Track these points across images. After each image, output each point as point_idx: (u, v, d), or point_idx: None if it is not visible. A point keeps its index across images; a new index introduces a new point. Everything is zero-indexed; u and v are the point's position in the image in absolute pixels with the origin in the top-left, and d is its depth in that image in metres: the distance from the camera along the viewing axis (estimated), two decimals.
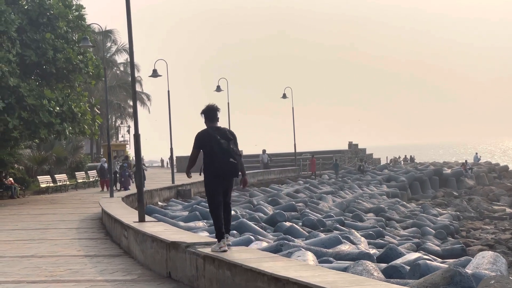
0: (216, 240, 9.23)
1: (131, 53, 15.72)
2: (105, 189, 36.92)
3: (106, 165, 36.07)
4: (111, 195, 26.13)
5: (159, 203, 29.95)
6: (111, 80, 65.51)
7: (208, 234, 19.06)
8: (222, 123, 9.67)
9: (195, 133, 9.34)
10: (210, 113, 9.43)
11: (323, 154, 62.72)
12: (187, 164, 9.54)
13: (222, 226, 9.18)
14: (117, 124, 78.26)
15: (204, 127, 9.48)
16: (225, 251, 8.82)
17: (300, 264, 7.80)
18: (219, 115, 9.52)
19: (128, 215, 15.65)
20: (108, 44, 68.08)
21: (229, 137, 9.26)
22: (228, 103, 48.99)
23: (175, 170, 40.73)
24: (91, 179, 44.45)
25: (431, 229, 29.20)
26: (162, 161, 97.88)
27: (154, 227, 12.49)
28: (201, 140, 9.30)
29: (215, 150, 9.14)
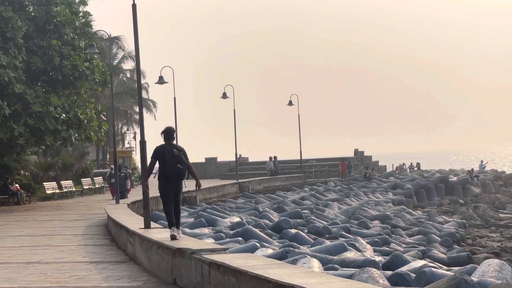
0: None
1: (137, 60, 15.78)
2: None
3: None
4: (117, 202, 26.16)
5: None
6: (117, 86, 65.61)
7: (213, 240, 19.07)
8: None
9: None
10: (167, 134, 12.13)
11: (329, 161, 62.69)
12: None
13: (172, 218, 11.83)
14: (123, 131, 78.36)
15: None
16: (174, 236, 11.35)
17: (306, 271, 7.79)
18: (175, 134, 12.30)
19: (133, 222, 15.67)
20: (114, 50, 68.19)
21: (179, 149, 11.99)
22: (234, 110, 49.07)
23: None
24: (97, 186, 44.50)
25: (437, 237, 29.14)
26: None
27: (159, 234, 12.49)
28: (157, 152, 11.98)
29: (167, 157, 11.76)
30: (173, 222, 11.75)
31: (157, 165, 12.25)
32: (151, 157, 12.08)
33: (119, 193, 25.43)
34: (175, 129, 12.43)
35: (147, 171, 12.77)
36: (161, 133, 12.17)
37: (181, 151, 11.99)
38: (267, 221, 26.42)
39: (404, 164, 77.04)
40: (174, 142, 12.24)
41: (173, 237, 11.32)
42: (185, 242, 10.85)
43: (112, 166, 38.96)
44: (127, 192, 33.68)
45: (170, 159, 11.76)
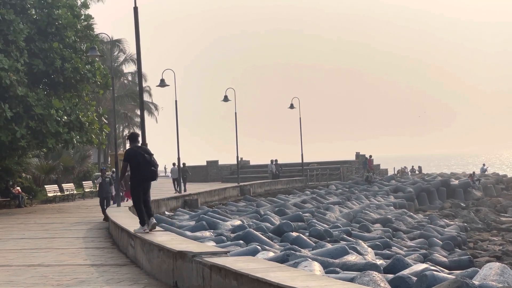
0: (140, 225, 13.47)
1: (139, 63, 15.79)
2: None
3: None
4: (118, 205, 26.14)
5: (166, 212, 29.97)
6: (119, 89, 65.62)
7: (215, 243, 19.06)
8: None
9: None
10: (132, 137, 13.87)
11: (330, 165, 62.65)
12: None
13: (143, 215, 13.40)
14: (124, 134, 78.40)
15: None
16: (147, 232, 13.04)
17: (307, 275, 7.78)
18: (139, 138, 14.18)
19: (135, 225, 15.63)
20: (116, 53, 68.21)
21: (150, 153, 13.42)
22: (236, 113, 49.06)
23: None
24: (98, 189, 44.42)
25: (438, 240, 29.11)
26: (165, 169, 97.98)
27: (161, 237, 12.48)
28: (129, 155, 13.35)
29: (141, 161, 13.16)
30: (144, 219, 13.43)
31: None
32: (124, 161, 13.52)
33: (104, 199, 24.94)
34: (138, 134, 14.31)
35: (121, 173, 14.32)
36: (127, 138, 14.31)
37: (151, 155, 13.44)
38: (268, 224, 26.42)
39: (405, 167, 77.08)
40: (139, 144, 13.99)
41: (146, 232, 13.19)
42: (186, 245, 10.84)
43: (114, 169, 38.86)
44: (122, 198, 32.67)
45: (145, 162, 13.24)
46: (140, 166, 13.22)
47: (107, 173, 35.03)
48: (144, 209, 13.55)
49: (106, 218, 23.77)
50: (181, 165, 43.04)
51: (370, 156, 59.22)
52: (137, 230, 13.29)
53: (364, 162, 58.82)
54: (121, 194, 30.83)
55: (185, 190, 40.47)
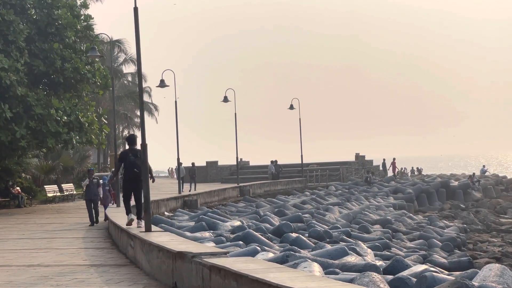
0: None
1: (138, 63, 15.75)
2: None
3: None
4: (118, 205, 26.14)
5: (166, 213, 29.94)
6: (119, 90, 65.59)
7: (214, 244, 19.06)
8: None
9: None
10: (130, 140, 15.86)
11: (330, 166, 62.65)
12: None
13: (129, 207, 15.71)
14: (124, 134, 78.41)
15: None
16: (131, 219, 15.25)
17: (306, 275, 7.77)
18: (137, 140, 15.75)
19: (134, 225, 15.65)
20: (116, 53, 68.15)
21: (137, 155, 14.97)
22: (235, 113, 49.07)
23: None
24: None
25: (438, 241, 29.10)
26: (169, 170, 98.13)
27: (160, 237, 12.48)
28: (121, 156, 15.51)
29: (127, 163, 15.16)
30: (129, 210, 15.56)
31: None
32: (117, 161, 15.73)
33: (90, 201, 24.31)
34: (136, 136, 15.96)
35: (115, 170, 16.83)
36: (125, 140, 16.01)
37: (137, 156, 14.98)
38: (268, 225, 26.42)
39: (405, 168, 77.11)
40: (137, 146, 15.38)
41: (129, 223, 15.12)
42: (186, 245, 10.84)
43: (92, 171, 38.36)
44: (110, 201, 30.83)
45: (129, 164, 15.12)
46: (126, 167, 15.25)
47: (106, 174, 34.97)
48: (130, 203, 15.71)
49: (93, 222, 23.33)
50: (190, 165, 43.76)
51: (394, 159, 60.78)
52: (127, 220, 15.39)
53: (383, 164, 60.44)
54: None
55: (189, 190, 40.62)
